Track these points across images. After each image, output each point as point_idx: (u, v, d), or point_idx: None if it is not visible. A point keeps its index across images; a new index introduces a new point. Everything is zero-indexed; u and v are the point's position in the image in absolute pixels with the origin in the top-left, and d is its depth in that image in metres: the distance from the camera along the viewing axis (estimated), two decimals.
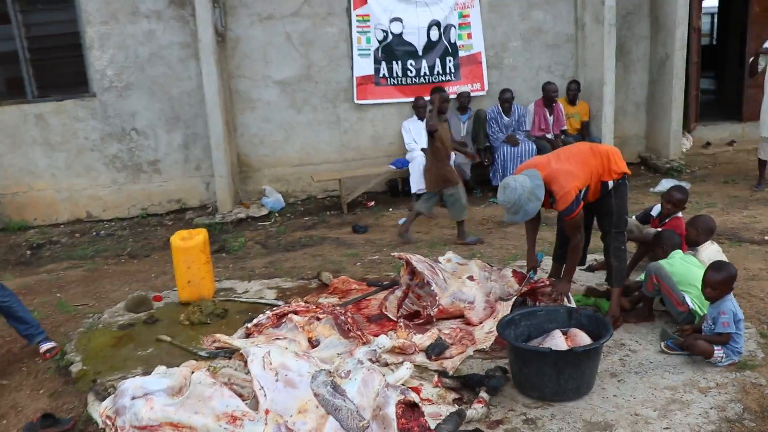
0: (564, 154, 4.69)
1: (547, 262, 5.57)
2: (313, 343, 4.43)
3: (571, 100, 9.23)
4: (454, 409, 3.74)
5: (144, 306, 5.53)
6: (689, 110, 10.04)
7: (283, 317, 4.75)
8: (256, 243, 7.44)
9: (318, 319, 4.63)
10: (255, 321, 4.74)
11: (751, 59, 8.16)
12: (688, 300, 4.47)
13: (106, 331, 5.10)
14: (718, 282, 4.11)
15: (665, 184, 8.50)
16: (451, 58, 9.20)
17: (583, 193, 4.54)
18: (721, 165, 9.74)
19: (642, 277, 4.97)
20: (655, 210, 5.72)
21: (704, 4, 10.98)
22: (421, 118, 8.87)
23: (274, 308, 4.91)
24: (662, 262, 4.70)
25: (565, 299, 4.72)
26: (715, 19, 17.83)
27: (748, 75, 8.37)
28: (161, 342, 4.84)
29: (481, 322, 4.75)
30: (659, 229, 5.38)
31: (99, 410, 3.44)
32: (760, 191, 8.23)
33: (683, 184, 7.49)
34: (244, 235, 7.70)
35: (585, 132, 9.26)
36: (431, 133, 6.77)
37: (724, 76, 13.97)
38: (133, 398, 3.34)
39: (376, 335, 4.53)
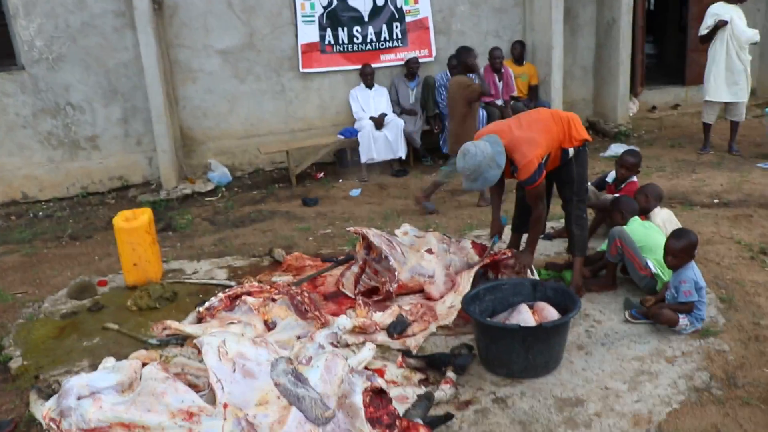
0: (525, 121, 4.54)
1: (506, 233, 5.44)
2: (270, 326, 4.25)
3: (517, 60, 9.11)
4: (420, 390, 3.61)
5: (88, 292, 5.22)
6: (635, 74, 10.02)
7: (237, 299, 4.55)
8: (204, 219, 7.15)
9: (273, 300, 4.43)
10: (207, 304, 4.52)
11: (705, 31, 8.09)
12: (650, 264, 4.44)
13: (47, 321, 4.80)
14: (680, 249, 4.06)
15: (614, 148, 8.49)
16: (398, 24, 8.93)
17: (544, 161, 4.41)
18: (667, 128, 9.79)
19: (603, 246, 4.90)
20: (610, 176, 5.68)
21: None
22: (369, 86, 8.65)
23: (227, 290, 4.69)
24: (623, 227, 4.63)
25: (528, 271, 4.61)
26: None
27: (699, 42, 8.36)
28: (108, 330, 4.56)
29: (441, 297, 4.64)
30: (617, 195, 5.32)
31: (42, 412, 3.16)
32: (706, 154, 8.29)
33: (633, 148, 7.44)
34: (190, 212, 7.39)
35: (533, 96, 9.15)
36: (481, 95, 6.66)
37: (664, 40, 14.04)
38: (79, 398, 3.06)
39: (335, 314, 4.39)
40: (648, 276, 4.45)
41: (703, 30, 8.11)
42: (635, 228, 4.63)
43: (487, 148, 4.26)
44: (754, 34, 8.00)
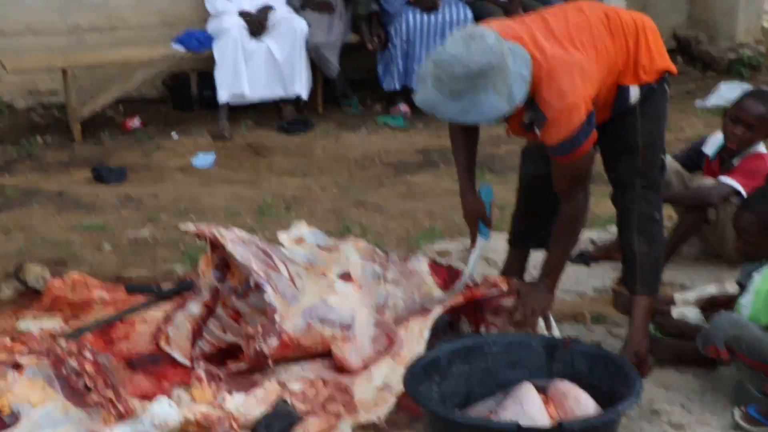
0: (560, 26, 4.46)
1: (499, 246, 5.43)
2: (6, 422, 4.10)
3: None
4: None
5: None
6: None
7: None
8: None
9: (16, 367, 4.29)
10: None
11: None
12: None
13: None
14: None
15: (726, 90, 8.59)
16: None
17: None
18: None
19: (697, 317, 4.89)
20: (712, 143, 5.76)
21: None
22: None
23: None
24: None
25: (542, 324, 4.62)
26: None
27: None
28: None
29: (366, 367, 4.61)
30: (727, 182, 5.45)
31: None
32: None
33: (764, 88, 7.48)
34: None
35: None
36: None
37: None
38: None
39: (146, 397, 4.32)
40: None
41: None
42: None
43: (502, 46, 4.18)
44: None
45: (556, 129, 4.26)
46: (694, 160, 5.78)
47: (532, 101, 4.28)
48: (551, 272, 4.68)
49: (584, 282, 5.52)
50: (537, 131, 4.35)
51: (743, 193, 5.40)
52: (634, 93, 4.53)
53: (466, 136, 4.74)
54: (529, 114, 4.35)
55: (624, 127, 4.60)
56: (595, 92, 4.34)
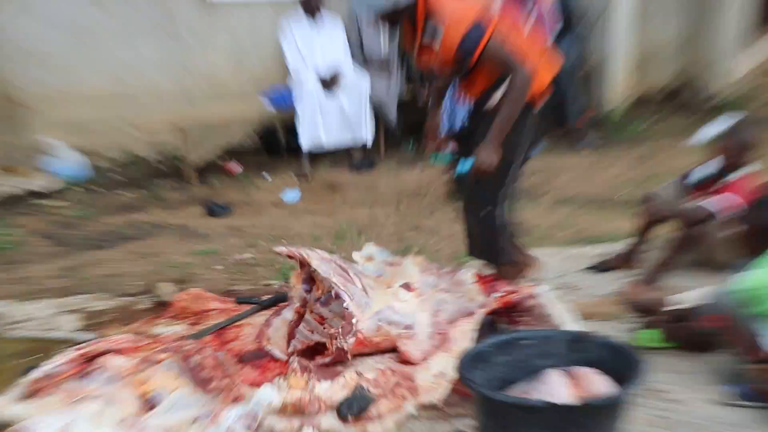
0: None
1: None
2: (150, 403, 4.26)
3: None
4: None
5: None
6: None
7: (95, 361, 4.57)
8: (44, 237, 7.26)
9: (156, 362, 4.48)
10: (44, 370, 4.47)
11: None
12: None
13: None
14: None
15: (711, 129, 8.43)
16: None
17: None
18: None
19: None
20: (699, 172, 5.73)
21: None
22: (313, 15, 8.65)
23: (79, 346, 4.72)
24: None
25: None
26: None
27: None
28: None
29: (425, 359, 4.70)
30: (704, 205, 5.36)
31: None
32: None
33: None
34: (19, 223, 7.52)
35: None
36: None
37: None
38: None
39: (254, 385, 4.44)
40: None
41: None
42: None
43: None
44: None
45: (455, 27, 4.47)
46: (696, 182, 5.66)
47: (428, 21, 4.56)
48: (493, 133, 4.76)
49: (601, 287, 5.60)
50: (437, 43, 4.54)
51: (716, 214, 5.29)
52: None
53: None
54: (428, 32, 4.55)
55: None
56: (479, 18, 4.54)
